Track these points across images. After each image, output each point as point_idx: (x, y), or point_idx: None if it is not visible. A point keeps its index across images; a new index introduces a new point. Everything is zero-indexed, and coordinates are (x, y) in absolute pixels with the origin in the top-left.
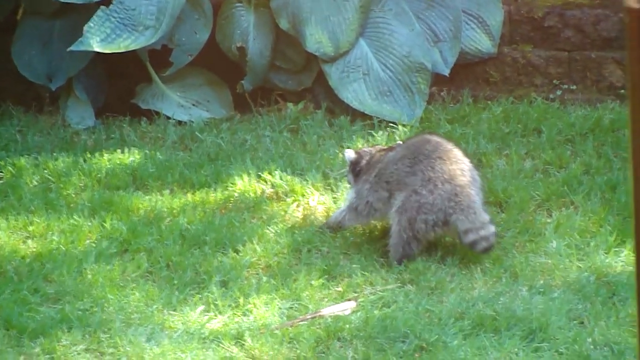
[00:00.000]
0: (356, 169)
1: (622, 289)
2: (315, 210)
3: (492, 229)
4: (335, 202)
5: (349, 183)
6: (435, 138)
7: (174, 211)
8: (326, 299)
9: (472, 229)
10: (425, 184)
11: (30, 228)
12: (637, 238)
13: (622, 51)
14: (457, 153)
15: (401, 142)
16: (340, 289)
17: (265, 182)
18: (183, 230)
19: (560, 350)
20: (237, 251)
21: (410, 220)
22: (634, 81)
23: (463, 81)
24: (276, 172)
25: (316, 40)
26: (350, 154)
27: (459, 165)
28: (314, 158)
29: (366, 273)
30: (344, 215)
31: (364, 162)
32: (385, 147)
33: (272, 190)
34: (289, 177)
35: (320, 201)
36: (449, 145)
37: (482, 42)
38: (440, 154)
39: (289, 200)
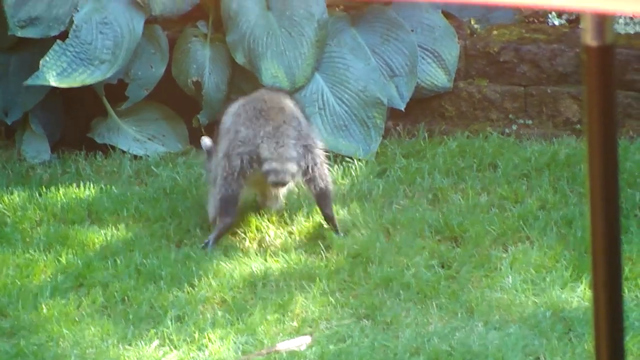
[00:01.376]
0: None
1: (579, 324)
2: (270, 244)
3: (290, 167)
4: (290, 236)
5: (208, 171)
6: (269, 93)
7: (130, 246)
8: (281, 334)
9: (269, 159)
10: (244, 122)
11: None
12: (594, 273)
13: (578, 86)
14: (287, 100)
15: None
16: (295, 323)
17: None
18: (138, 265)
19: None
20: (192, 286)
21: (224, 160)
22: (592, 117)
23: (419, 116)
24: None
25: (272, 74)
26: (205, 142)
27: (279, 105)
28: None
29: (322, 308)
30: (213, 208)
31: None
32: None
33: None
34: (243, 211)
35: (276, 235)
36: (278, 95)
37: (437, 77)
38: (264, 98)
39: (243, 234)
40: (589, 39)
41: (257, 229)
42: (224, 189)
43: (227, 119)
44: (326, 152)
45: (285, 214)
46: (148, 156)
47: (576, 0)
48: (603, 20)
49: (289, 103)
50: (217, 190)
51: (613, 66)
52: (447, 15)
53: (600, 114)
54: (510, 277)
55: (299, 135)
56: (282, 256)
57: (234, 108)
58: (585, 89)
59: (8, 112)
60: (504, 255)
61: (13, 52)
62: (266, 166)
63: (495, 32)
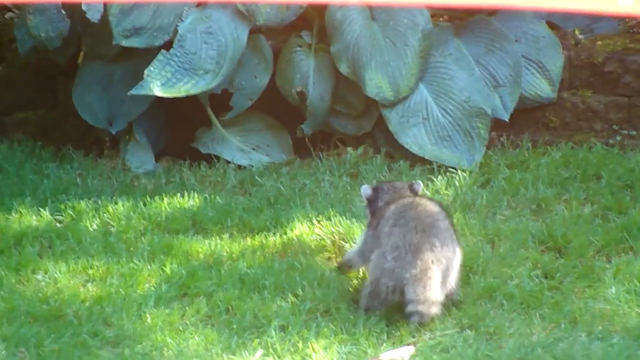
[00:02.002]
0: (373, 207)
1: None
2: None
3: (433, 310)
4: None
5: (367, 219)
6: (423, 204)
7: (234, 255)
8: (385, 344)
9: (414, 301)
10: (392, 250)
11: (90, 271)
12: None
13: None
14: (440, 224)
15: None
16: (399, 333)
17: (324, 226)
18: (242, 275)
19: None
20: (296, 296)
21: (373, 282)
22: None
23: (522, 126)
24: (335, 217)
25: (376, 85)
26: (366, 190)
27: (430, 240)
28: None
29: None
30: (351, 258)
31: (381, 202)
32: (403, 186)
33: (331, 234)
34: (347, 222)
35: None
36: (433, 217)
37: (541, 87)
38: (417, 224)
39: (347, 245)
40: None
41: None
42: (369, 304)
43: (383, 223)
44: (430, 162)
45: None
46: (252, 166)
47: None
48: None
49: (440, 227)
50: (363, 296)
51: None
52: (551, 25)
53: None
54: (613, 287)
55: (445, 274)
56: None
57: (389, 212)
58: None
59: (112, 122)
60: (608, 265)
61: (117, 62)
62: (410, 307)
63: (599, 43)
